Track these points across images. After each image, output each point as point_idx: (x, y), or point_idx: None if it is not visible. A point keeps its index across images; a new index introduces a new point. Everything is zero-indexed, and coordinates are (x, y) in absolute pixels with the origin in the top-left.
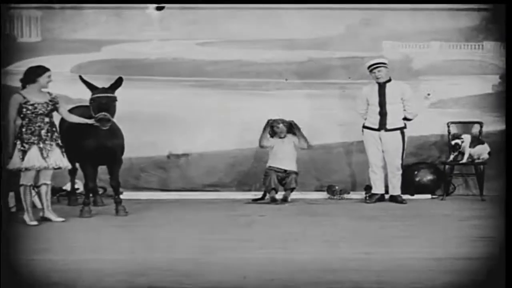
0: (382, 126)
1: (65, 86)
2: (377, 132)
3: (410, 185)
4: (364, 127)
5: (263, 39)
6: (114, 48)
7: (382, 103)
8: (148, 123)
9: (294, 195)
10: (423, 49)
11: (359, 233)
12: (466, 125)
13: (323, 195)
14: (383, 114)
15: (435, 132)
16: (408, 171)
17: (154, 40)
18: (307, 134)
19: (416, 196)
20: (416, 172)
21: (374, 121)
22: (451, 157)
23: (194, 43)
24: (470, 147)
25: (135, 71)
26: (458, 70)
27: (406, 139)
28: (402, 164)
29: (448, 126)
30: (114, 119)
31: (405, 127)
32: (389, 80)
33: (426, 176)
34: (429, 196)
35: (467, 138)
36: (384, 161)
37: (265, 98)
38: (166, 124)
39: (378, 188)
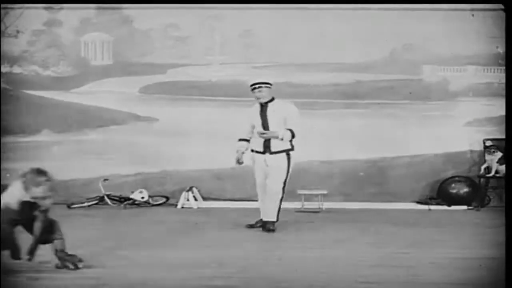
0: (266, 149)
1: (134, 105)
2: (262, 156)
3: (447, 196)
4: (252, 150)
5: (313, 63)
6: (178, 71)
7: (265, 125)
8: (208, 138)
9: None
10: (460, 72)
11: (397, 236)
12: (501, 143)
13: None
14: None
15: (472, 148)
16: (445, 184)
17: (215, 63)
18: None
19: (453, 207)
20: (453, 185)
21: (259, 144)
22: (481, 170)
23: (251, 66)
24: (497, 162)
25: (197, 92)
26: (491, 91)
27: (291, 161)
28: (284, 188)
29: (484, 143)
30: None
31: (291, 149)
32: (272, 100)
33: (462, 189)
34: (465, 207)
35: (497, 154)
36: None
37: (315, 117)
38: (225, 139)
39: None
